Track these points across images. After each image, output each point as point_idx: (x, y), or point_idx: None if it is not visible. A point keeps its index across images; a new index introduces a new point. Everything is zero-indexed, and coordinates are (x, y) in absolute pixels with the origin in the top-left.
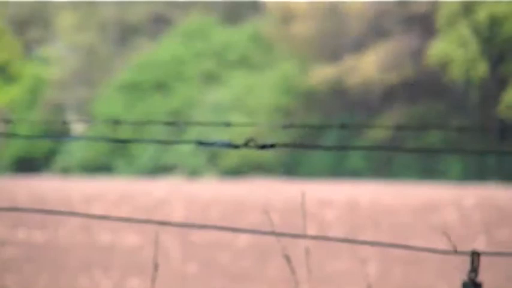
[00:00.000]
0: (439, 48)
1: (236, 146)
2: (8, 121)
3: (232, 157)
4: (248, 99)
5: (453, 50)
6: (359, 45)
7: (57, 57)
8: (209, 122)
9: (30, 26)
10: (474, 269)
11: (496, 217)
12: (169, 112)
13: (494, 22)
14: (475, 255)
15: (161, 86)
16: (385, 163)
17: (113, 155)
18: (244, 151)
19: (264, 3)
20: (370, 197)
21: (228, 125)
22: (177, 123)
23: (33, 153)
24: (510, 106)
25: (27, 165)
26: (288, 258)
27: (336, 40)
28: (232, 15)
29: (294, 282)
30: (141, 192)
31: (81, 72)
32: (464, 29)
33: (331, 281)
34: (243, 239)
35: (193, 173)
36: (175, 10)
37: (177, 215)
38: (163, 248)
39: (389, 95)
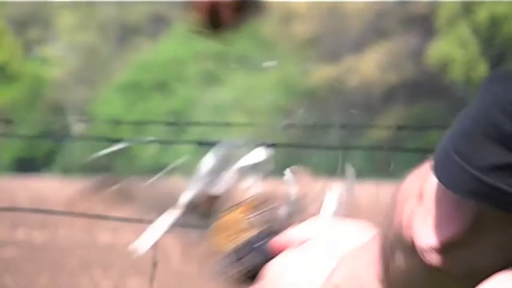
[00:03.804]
0: (439, 49)
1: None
2: (8, 121)
3: None
4: (248, 99)
5: (453, 50)
6: (359, 45)
7: (57, 57)
8: (209, 122)
9: (30, 26)
10: None
11: None
12: (169, 112)
13: (494, 22)
14: None
15: (161, 86)
16: (385, 163)
17: (113, 155)
18: None
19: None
20: (370, 197)
21: (228, 125)
22: (177, 123)
23: (33, 153)
24: None
25: (27, 165)
26: None
27: (336, 40)
28: None
29: None
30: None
31: (81, 72)
32: (464, 29)
33: None
34: None
35: (193, 173)
36: (175, 10)
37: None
38: (163, 248)
39: (389, 95)
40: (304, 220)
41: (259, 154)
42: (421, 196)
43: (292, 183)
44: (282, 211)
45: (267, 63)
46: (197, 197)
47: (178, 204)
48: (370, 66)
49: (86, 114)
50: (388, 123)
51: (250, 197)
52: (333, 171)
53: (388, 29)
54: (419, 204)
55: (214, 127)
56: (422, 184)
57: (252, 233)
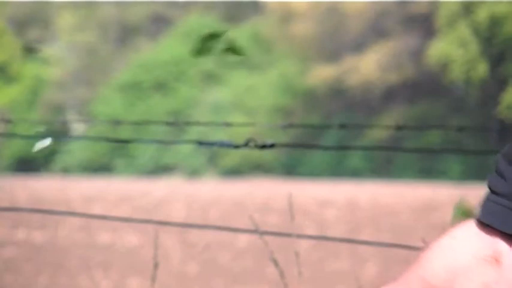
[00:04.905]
0: (439, 48)
1: (236, 146)
2: (8, 121)
3: (232, 157)
4: (248, 99)
5: (453, 50)
6: (359, 45)
7: (57, 57)
8: (209, 122)
9: (30, 26)
10: None
11: None
12: (169, 112)
13: (494, 22)
14: None
15: (161, 86)
16: (385, 163)
17: (113, 155)
18: (244, 151)
19: (264, 3)
20: (370, 197)
21: (228, 125)
22: (177, 123)
23: (33, 153)
24: (510, 106)
25: (27, 165)
26: (276, 262)
27: (336, 40)
28: (232, 15)
29: (284, 285)
30: (141, 192)
31: (81, 72)
32: (464, 29)
33: (330, 281)
34: (243, 239)
35: (193, 173)
36: (175, 10)
37: (177, 215)
38: (163, 248)
39: (389, 95)
40: None
41: None
42: (497, 262)
43: None
44: None
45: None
46: None
47: None
48: (370, 66)
49: (86, 114)
50: (388, 123)
51: None
52: (333, 171)
53: (388, 29)
54: (499, 271)
55: (214, 127)
56: (494, 250)
57: None
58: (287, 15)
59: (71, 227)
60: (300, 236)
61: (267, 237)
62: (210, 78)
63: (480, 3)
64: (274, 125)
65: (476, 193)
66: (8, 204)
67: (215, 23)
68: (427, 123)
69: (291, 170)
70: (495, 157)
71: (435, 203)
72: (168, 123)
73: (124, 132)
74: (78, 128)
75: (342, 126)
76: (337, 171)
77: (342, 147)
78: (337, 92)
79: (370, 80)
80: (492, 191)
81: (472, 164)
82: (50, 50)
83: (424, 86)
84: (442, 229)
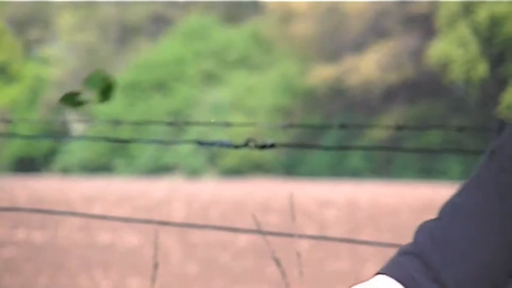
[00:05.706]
0: (439, 49)
1: (236, 146)
2: (8, 121)
3: (232, 157)
4: (248, 99)
5: (453, 50)
6: (359, 45)
7: (57, 57)
8: (209, 122)
9: (30, 26)
10: None
11: None
12: (169, 112)
13: (494, 22)
14: None
15: (161, 86)
16: (385, 163)
17: (113, 155)
18: (244, 151)
19: (264, 3)
20: (370, 197)
21: (228, 125)
22: (177, 123)
23: (33, 153)
24: (510, 106)
25: (27, 165)
26: (278, 261)
27: (336, 40)
28: (232, 15)
29: (285, 285)
30: (141, 192)
31: (81, 72)
32: (464, 29)
33: (330, 281)
34: (243, 239)
35: (193, 173)
36: (175, 10)
37: (177, 215)
38: (163, 248)
39: (389, 95)
40: None
41: None
42: None
43: None
44: None
45: None
46: None
47: None
48: (370, 66)
49: (86, 114)
50: (388, 123)
51: None
52: (333, 171)
53: (388, 29)
54: None
55: (214, 127)
56: None
57: None
58: (287, 15)
59: (71, 227)
60: (301, 236)
61: (268, 237)
62: (210, 78)
63: (480, 3)
64: (274, 125)
65: None
66: (8, 204)
67: (215, 23)
68: (427, 123)
69: (291, 170)
70: None
71: (435, 203)
72: (168, 123)
73: (124, 132)
74: (78, 128)
75: (342, 126)
76: (337, 171)
77: (342, 147)
78: (337, 92)
79: (370, 80)
80: None
81: (472, 164)
82: (50, 50)
83: (424, 86)
84: None
